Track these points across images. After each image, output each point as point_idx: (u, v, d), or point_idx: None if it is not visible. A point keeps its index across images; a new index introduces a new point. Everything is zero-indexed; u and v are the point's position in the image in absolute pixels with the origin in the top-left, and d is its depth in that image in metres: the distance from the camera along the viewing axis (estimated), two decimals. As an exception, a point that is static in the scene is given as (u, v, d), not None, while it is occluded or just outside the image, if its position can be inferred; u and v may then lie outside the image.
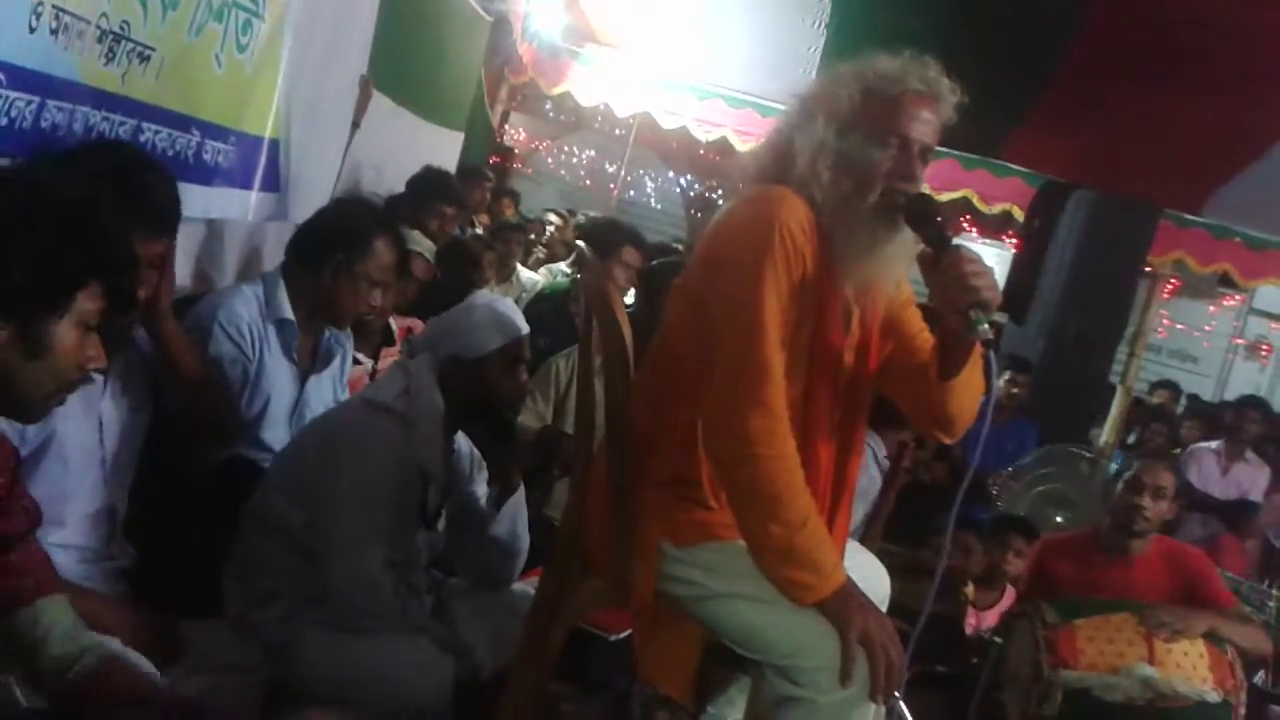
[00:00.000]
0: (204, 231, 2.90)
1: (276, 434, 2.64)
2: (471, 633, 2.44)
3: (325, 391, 2.78)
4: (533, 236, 7.64)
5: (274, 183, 3.08)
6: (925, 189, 1.94)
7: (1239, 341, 12.69)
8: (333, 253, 2.62)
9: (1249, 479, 6.62)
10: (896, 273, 1.96)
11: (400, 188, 4.67)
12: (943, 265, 1.81)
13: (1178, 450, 7.01)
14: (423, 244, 3.95)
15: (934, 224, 1.86)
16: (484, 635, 2.45)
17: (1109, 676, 2.86)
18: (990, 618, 4.10)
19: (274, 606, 2.28)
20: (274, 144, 3.03)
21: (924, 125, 1.88)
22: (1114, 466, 5.80)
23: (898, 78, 1.88)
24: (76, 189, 1.39)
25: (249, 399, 2.60)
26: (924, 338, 2.05)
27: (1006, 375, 5.96)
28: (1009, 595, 4.15)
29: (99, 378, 1.92)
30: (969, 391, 1.96)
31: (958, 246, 1.83)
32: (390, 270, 2.74)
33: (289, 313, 2.62)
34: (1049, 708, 2.88)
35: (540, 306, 4.69)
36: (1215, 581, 3.49)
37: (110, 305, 1.39)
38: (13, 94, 1.84)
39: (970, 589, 4.15)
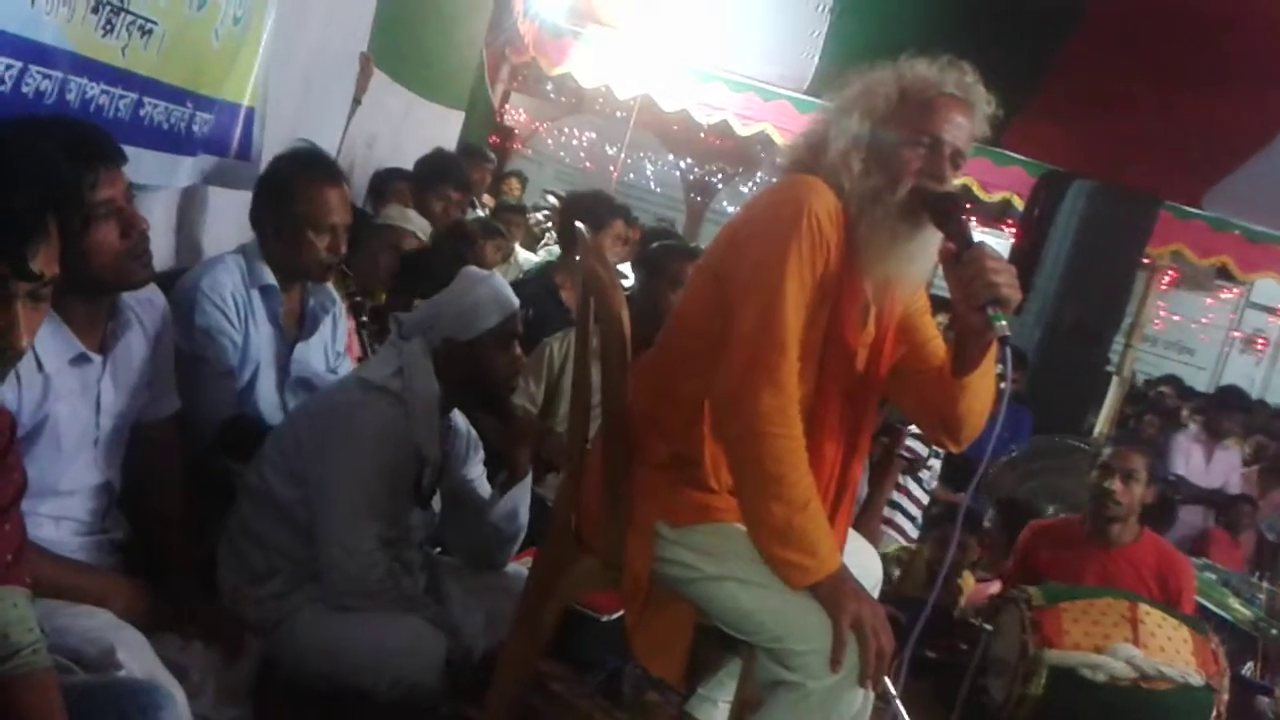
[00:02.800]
0: (192, 202, 2.89)
1: (267, 402, 2.64)
2: (464, 611, 2.45)
3: (314, 357, 2.76)
4: (540, 217, 7.62)
5: (248, 151, 3.06)
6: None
7: (1235, 334, 12.74)
8: (269, 208, 2.59)
9: (1229, 464, 6.74)
10: (917, 273, 1.97)
11: (397, 165, 4.65)
12: (964, 261, 1.82)
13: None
14: (416, 223, 3.91)
15: (958, 221, 1.87)
16: (477, 614, 2.46)
17: (1094, 656, 2.88)
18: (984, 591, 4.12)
19: (268, 583, 2.29)
20: (250, 112, 3.01)
21: (956, 129, 1.91)
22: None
23: (935, 81, 1.92)
24: None
25: (238, 368, 2.60)
26: (936, 344, 2.07)
27: (999, 368, 5.94)
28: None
29: (96, 358, 1.91)
30: (980, 393, 1.97)
31: (980, 243, 1.84)
32: (335, 211, 2.60)
33: (271, 278, 2.60)
34: (1034, 686, 2.89)
35: (528, 290, 4.63)
36: (1190, 596, 3.55)
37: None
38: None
39: (969, 580, 4.17)
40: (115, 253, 1.85)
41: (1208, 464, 6.71)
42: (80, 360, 1.88)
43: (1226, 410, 7.00)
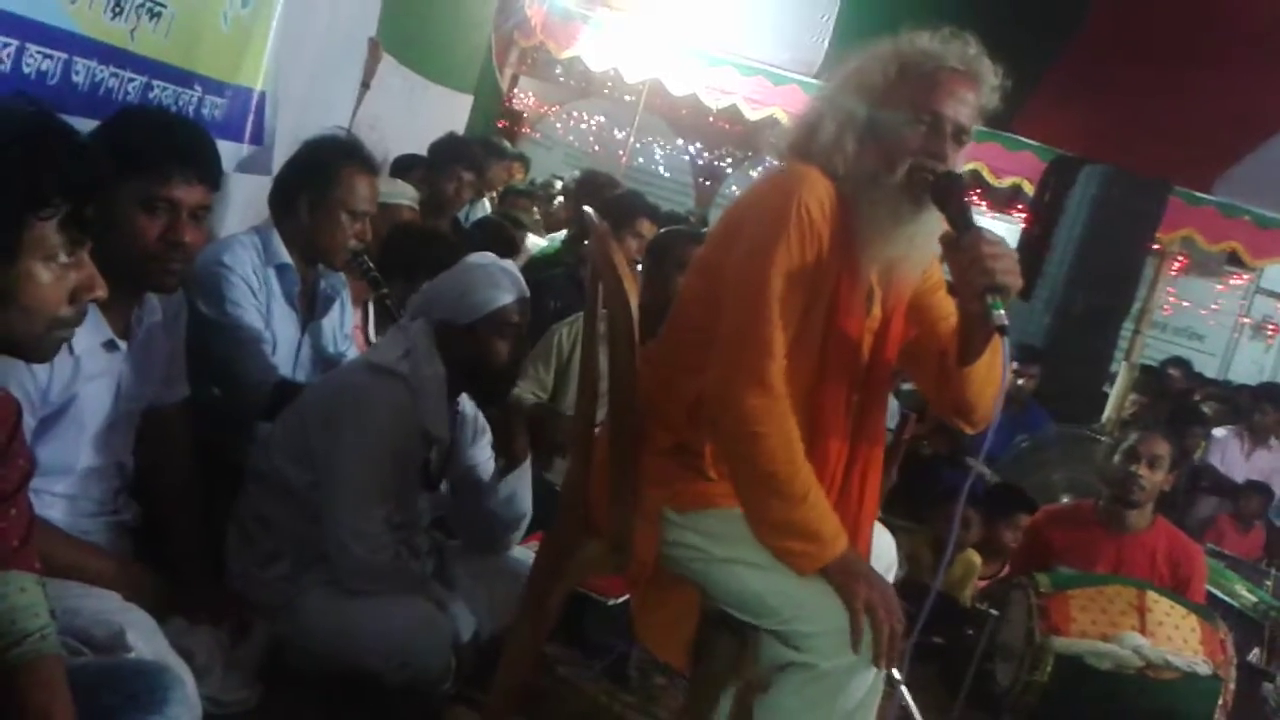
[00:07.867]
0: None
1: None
2: (471, 595, 2.46)
3: (325, 338, 2.78)
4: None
5: (260, 136, 3.06)
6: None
7: (1245, 320, 12.66)
8: (305, 189, 2.61)
9: (1271, 465, 6.60)
10: (920, 253, 1.92)
11: (406, 149, 4.65)
12: (961, 246, 1.77)
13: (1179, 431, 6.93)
14: (405, 192, 3.85)
15: (958, 202, 1.82)
16: (484, 597, 2.47)
17: (1100, 644, 2.87)
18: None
19: (276, 565, 2.30)
20: (263, 96, 3.01)
21: (959, 104, 1.85)
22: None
23: (936, 54, 1.86)
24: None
25: None
26: (950, 323, 1.99)
27: (1013, 365, 5.90)
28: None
29: (122, 344, 1.93)
30: (989, 378, 1.93)
31: (979, 228, 1.78)
32: (368, 200, 2.67)
33: (287, 257, 2.62)
34: (1039, 673, 2.90)
35: (552, 272, 4.63)
36: (1200, 582, 3.54)
37: (72, 229, 1.28)
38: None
39: (975, 559, 4.15)
40: (144, 247, 1.87)
41: (1247, 461, 6.60)
42: (109, 346, 1.91)
43: (1267, 408, 6.75)
